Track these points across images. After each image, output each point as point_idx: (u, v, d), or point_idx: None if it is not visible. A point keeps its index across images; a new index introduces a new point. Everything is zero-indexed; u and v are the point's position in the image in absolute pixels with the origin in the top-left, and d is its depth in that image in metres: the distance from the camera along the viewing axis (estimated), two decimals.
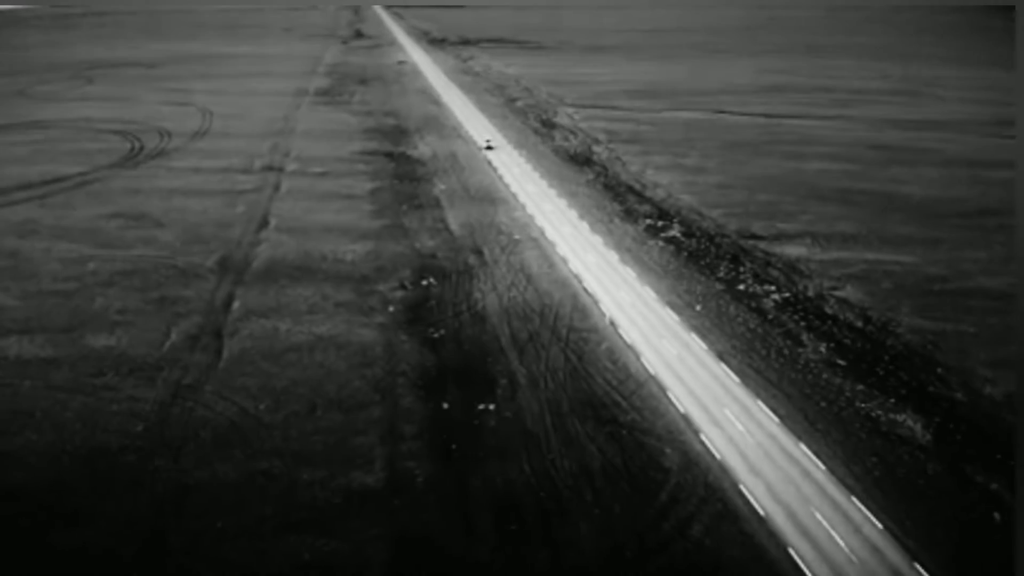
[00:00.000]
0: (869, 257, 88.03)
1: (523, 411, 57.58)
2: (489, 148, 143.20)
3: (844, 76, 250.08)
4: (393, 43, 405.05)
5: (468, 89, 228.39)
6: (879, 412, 57.30)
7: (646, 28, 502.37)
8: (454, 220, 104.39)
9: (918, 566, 42.07)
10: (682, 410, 57.47)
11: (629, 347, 67.53)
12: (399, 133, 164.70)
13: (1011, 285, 79.39)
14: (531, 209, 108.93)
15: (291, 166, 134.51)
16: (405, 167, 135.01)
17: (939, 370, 63.37)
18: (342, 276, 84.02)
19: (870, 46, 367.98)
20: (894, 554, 43.12)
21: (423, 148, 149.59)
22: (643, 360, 65.09)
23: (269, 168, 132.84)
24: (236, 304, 76.57)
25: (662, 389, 60.58)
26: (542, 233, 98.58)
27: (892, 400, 58.88)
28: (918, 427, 55.32)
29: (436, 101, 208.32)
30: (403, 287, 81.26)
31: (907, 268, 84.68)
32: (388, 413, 57.56)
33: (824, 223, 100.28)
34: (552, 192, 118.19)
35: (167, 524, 46.05)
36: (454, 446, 53.46)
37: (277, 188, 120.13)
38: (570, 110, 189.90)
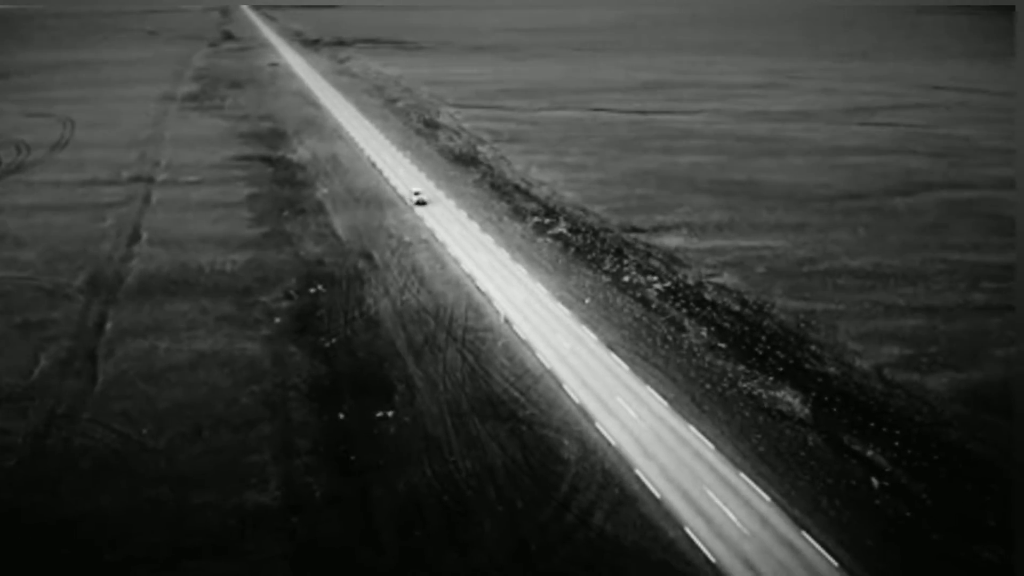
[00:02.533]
0: (742, 244, 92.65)
1: (423, 415, 57.16)
2: (421, 203, 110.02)
3: (715, 72, 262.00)
4: (265, 45, 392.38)
5: (346, 90, 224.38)
6: (760, 390, 60.43)
7: (525, 28, 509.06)
8: (340, 224, 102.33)
9: (805, 534, 44.69)
10: (578, 401, 58.68)
11: (524, 343, 68.30)
12: (276, 137, 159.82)
13: (874, 264, 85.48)
14: (420, 210, 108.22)
15: (162, 175, 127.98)
16: (284, 172, 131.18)
17: (812, 347, 67.49)
18: (222, 288, 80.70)
19: (746, 43, 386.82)
20: (782, 524, 45.60)
21: (303, 152, 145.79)
22: (539, 355, 65.99)
23: (138, 179, 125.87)
24: (109, 324, 72.13)
25: (558, 382, 61.63)
26: (432, 234, 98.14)
27: (771, 378, 62.22)
28: (797, 402, 58.71)
29: (314, 103, 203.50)
30: (289, 296, 78.92)
31: (778, 252, 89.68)
32: (280, 429, 55.76)
33: (699, 214, 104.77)
34: (440, 193, 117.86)
35: (47, 563, 42.86)
36: (353, 457, 52.43)
37: (148, 199, 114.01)
38: (452, 110, 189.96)
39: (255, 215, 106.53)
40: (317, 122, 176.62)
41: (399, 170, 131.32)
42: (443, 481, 49.77)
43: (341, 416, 57.28)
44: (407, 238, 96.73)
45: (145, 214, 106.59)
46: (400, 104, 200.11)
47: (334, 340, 69.27)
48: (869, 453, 52.46)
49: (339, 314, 74.68)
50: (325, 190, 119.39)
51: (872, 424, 55.87)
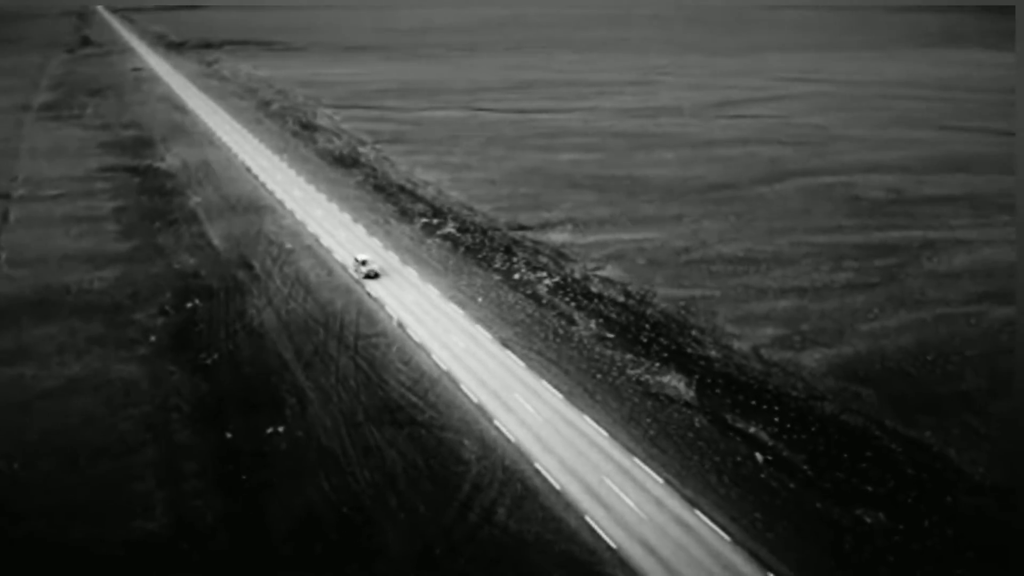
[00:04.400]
0: (624, 237, 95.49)
1: (316, 428, 55.69)
2: (371, 276, 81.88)
3: (591, 70, 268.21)
4: (127, 49, 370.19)
5: (216, 94, 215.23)
6: (647, 376, 62.53)
7: (403, 27, 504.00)
8: (216, 234, 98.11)
9: (698, 512, 46.61)
10: (476, 401, 58.80)
11: (419, 346, 67.77)
12: (142, 145, 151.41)
13: (746, 250, 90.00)
14: (301, 216, 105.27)
15: (19, 191, 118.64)
16: (153, 181, 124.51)
17: (694, 332, 70.43)
18: (91, 307, 75.80)
19: (627, 42, 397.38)
20: (676, 505, 47.38)
21: (172, 159, 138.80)
22: (434, 357, 65.64)
23: None
24: None
25: (455, 383, 61.53)
26: (316, 240, 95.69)
27: (658, 364, 64.49)
28: (682, 385, 61.12)
29: (181, 108, 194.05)
30: (165, 312, 75.01)
31: (657, 244, 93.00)
32: (165, 452, 52.98)
33: (582, 210, 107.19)
34: (322, 196, 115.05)
35: None
36: (244, 476, 50.47)
37: (5, 217, 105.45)
38: (330, 111, 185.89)
39: (123, 228, 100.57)
40: (186, 128, 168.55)
41: (276, 175, 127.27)
42: (341, 493, 48.71)
43: (228, 435, 54.98)
44: (289, 244, 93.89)
45: (3, 233, 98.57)
46: (274, 107, 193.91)
47: (216, 356, 66.37)
48: (752, 430, 55.28)
49: (220, 328, 71.63)
50: (198, 198, 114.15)
51: (753, 402, 58.89)
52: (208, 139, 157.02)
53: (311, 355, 66.24)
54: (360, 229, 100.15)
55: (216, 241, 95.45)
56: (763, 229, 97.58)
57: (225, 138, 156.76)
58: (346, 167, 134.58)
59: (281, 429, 55.51)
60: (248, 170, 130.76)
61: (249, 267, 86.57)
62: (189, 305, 76.59)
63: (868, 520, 45.96)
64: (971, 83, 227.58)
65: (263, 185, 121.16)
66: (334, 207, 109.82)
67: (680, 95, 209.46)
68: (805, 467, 51.12)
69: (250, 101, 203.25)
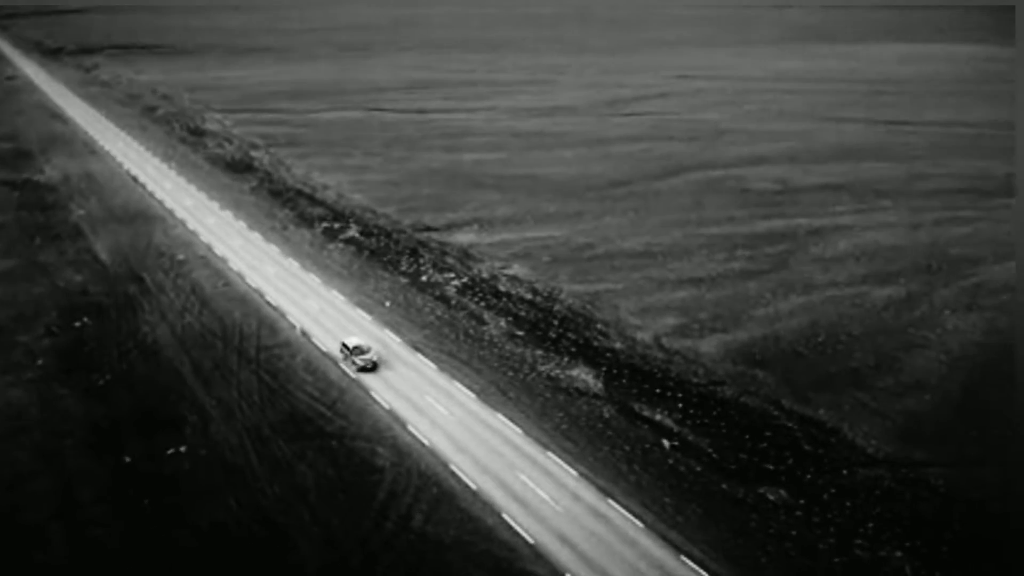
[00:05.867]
0: (529, 235, 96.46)
1: (220, 446, 53.65)
2: (368, 369, 63.09)
3: (488, 70, 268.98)
4: None
5: (96, 101, 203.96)
6: (557, 371, 63.46)
7: (295, 28, 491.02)
8: (103, 247, 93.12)
9: (611, 501, 47.64)
10: (387, 406, 58.10)
11: (326, 355, 66.33)
12: (20, 157, 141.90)
13: (645, 244, 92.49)
14: (193, 225, 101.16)
15: None
16: (32, 195, 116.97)
17: (599, 325, 71.90)
18: None
19: (523, 41, 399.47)
20: (590, 495, 48.26)
21: (52, 171, 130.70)
22: (342, 365, 64.40)
23: None
24: None
25: (365, 390, 60.58)
26: (210, 249, 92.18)
27: (566, 359, 65.52)
28: (590, 378, 62.34)
29: (60, 117, 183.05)
30: (51, 333, 70.60)
31: (560, 241, 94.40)
32: (58, 481, 49.94)
33: (487, 209, 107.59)
34: (214, 204, 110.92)
35: None
36: (146, 501, 48.11)
37: None
38: (219, 115, 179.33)
39: (2, 246, 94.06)
40: (66, 138, 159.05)
41: (165, 183, 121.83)
42: (251, 511, 47.15)
43: (127, 459, 52.26)
44: (181, 256, 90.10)
45: None
46: (159, 112, 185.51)
47: (109, 376, 62.97)
48: (658, 417, 56.94)
49: (111, 347, 68.00)
50: (82, 211, 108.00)
51: (658, 390, 60.68)
52: (90, 149, 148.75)
53: (211, 370, 63.80)
54: (256, 236, 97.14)
55: (103, 255, 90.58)
56: (660, 223, 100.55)
57: (108, 147, 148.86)
58: (239, 173, 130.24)
59: (183, 449, 53.20)
60: (135, 180, 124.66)
61: (140, 281, 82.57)
62: (77, 324, 72.38)
63: (771, 497, 48.14)
64: (858, 76, 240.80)
65: (151, 195, 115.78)
66: (228, 214, 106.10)
67: (576, 94, 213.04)
68: (710, 450, 53.06)
69: (134, 108, 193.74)
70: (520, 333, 70.46)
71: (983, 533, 45.23)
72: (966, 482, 49.34)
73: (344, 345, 64.71)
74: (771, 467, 51.21)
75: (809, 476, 50.29)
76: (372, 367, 63.10)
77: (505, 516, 46.48)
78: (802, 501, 47.86)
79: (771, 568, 42.49)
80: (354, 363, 62.98)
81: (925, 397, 59.05)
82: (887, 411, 57.18)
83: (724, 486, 49.27)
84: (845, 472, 50.67)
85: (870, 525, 45.80)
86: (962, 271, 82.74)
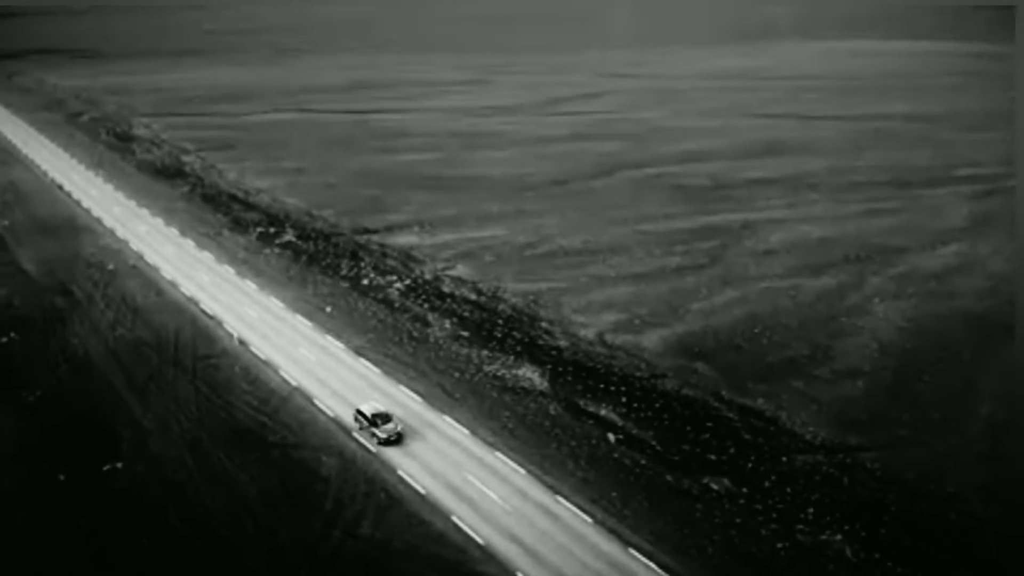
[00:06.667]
0: (470, 236, 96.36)
1: (158, 460, 52.10)
2: (391, 441, 53.24)
3: (423, 70, 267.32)
4: None
5: (19, 108, 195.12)
6: (503, 371, 63.61)
7: (226, 28, 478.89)
8: (27, 259, 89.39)
9: (560, 498, 48.00)
10: (332, 414, 57.29)
11: (266, 363, 65.02)
12: None
13: (584, 242, 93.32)
14: (123, 233, 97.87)
15: None
16: None
17: (543, 324, 72.32)
18: None
19: (457, 40, 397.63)
20: (539, 493, 48.54)
21: None
22: (283, 373, 63.23)
23: None
24: None
25: (308, 398, 59.63)
26: (141, 258, 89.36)
27: (512, 358, 65.72)
28: (536, 376, 62.69)
29: None
30: None
31: (502, 240, 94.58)
32: None
33: (427, 210, 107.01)
34: (144, 212, 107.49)
35: None
36: (83, 520, 46.36)
37: None
38: (147, 120, 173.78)
39: None
40: None
41: (92, 191, 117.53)
42: (193, 526, 45.94)
43: (61, 477, 50.31)
44: (111, 266, 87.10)
45: None
46: (85, 118, 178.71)
47: (39, 392, 60.48)
48: (603, 412, 57.63)
49: (40, 362, 65.35)
50: (5, 222, 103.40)
51: (602, 386, 61.39)
52: (12, 157, 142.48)
53: (146, 383, 61.89)
54: (189, 243, 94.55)
55: (28, 267, 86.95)
56: (599, 221, 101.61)
57: (32, 155, 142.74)
58: (169, 178, 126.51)
59: (119, 465, 51.50)
60: (60, 188, 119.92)
61: (68, 293, 79.53)
62: (4, 339, 69.28)
63: (715, 487, 49.24)
64: (785, 73, 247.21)
65: (78, 203, 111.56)
66: (159, 222, 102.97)
67: (512, 94, 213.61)
68: (654, 442, 53.96)
69: (58, 114, 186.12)
70: (465, 334, 70.35)
71: (918, 512, 47.13)
72: (900, 464, 51.36)
73: (359, 413, 55.03)
74: (714, 457, 52.36)
75: (750, 465, 51.59)
76: (397, 439, 53.24)
77: (455, 518, 46.38)
78: (745, 489, 49.08)
79: (717, 556, 43.49)
80: (374, 436, 53.42)
81: (858, 383, 61.20)
82: (822, 398, 59.08)
83: (669, 478, 50.19)
84: (785, 459, 52.15)
85: (810, 510, 47.26)
86: (889, 260, 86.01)
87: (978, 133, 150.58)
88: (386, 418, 54.20)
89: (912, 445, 53.61)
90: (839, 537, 44.95)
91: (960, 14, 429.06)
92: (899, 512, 47.06)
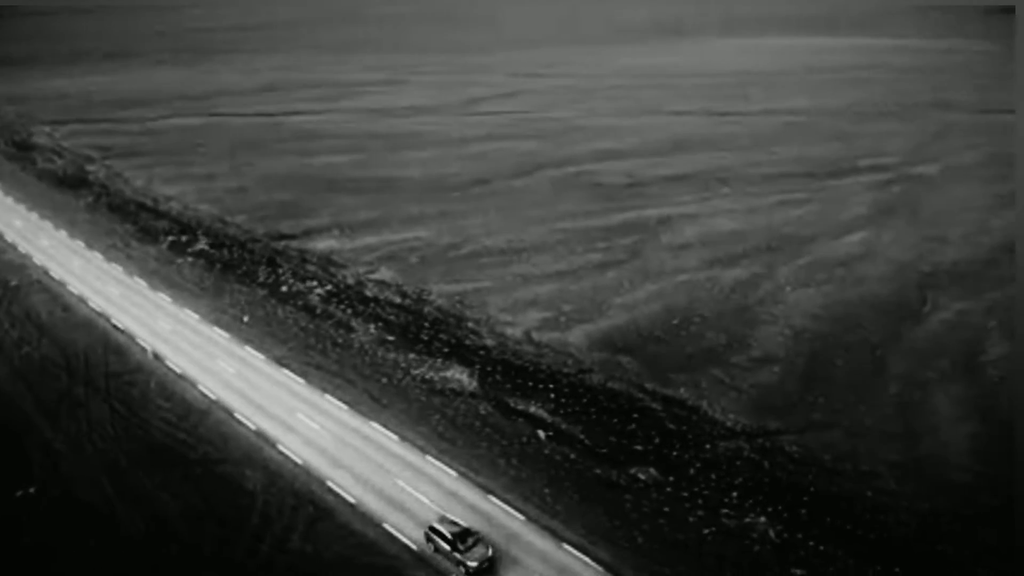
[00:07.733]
0: (393, 238, 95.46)
1: (73, 483, 49.84)
2: (480, 572, 41.84)
3: (337, 71, 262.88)
4: None
5: None
6: (431, 373, 63.37)
7: (131, 32, 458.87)
8: None
9: (492, 497, 48.21)
10: (254, 427, 55.89)
11: (182, 377, 62.88)
12: None
13: (508, 241, 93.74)
14: (25, 248, 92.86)
15: None
16: None
17: (470, 324, 72.37)
18: None
19: (375, 41, 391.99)
20: (471, 494, 48.65)
21: None
22: (200, 387, 61.28)
23: None
24: None
25: (228, 412, 57.98)
26: (45, 273, 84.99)
27: (440, 360, 65.52)
28: (465, 377, 62.70)
29: None
30: None
31: (426, 241, 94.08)
32: None
33: (347, 213, 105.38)
34: (47, 224, 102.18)
35: None
36: None
37: None
38: (48, 128, 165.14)
39: None
40: None
41: None
42: (113, 550, 44.13)
43: None
44: (13, 281, 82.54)
45: None
46: None
47: None
48: (532, 410, 58.14)
49: None
50: None
51: (530, 383, 61.92)
52: None
53: (55, 404, 59.01)
54: (96, 255, 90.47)
55: None
56: (521, 220, 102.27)
57: None
58: (73, 188, 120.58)
59: (32, 490, 48.98)
60: None
61: None
62: None
63: (642, 477, 50.40)
64: (698, 70, 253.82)
65: None
66: (63, 234, 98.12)
67: (429, 94, 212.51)
68: (582, 436, 54.80)
69: None
70: (391, 338, 69.71)
71: (836, 491, 49.38)
72: (817, 446, 53.69)
73: (434, 530, 43.33)
74: (640, 448, 53.56)
75: (675, 453, 53.01)
76: (488, 565, 41.98)
77: (386, 526, 46.03)
78: (671, 478, 50.40)
79: (647, 545, 44.55)
80: (463, 566, 41.67)
81: (774, 370, 63.64)
82: (741, 386, 61.18)
83: (598, 471, 51.07)
84: (708, 446, 53.80)
85: (734, 494, 48.93)
86: (799, 250, 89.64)
87: (881, 124, 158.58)
88: (473, 536, 42.88)
89: (828, 427, 56.08)
90: (763, 519, 46.68)
91: (908, 13, 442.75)
92: (818, 492, 49.21)
